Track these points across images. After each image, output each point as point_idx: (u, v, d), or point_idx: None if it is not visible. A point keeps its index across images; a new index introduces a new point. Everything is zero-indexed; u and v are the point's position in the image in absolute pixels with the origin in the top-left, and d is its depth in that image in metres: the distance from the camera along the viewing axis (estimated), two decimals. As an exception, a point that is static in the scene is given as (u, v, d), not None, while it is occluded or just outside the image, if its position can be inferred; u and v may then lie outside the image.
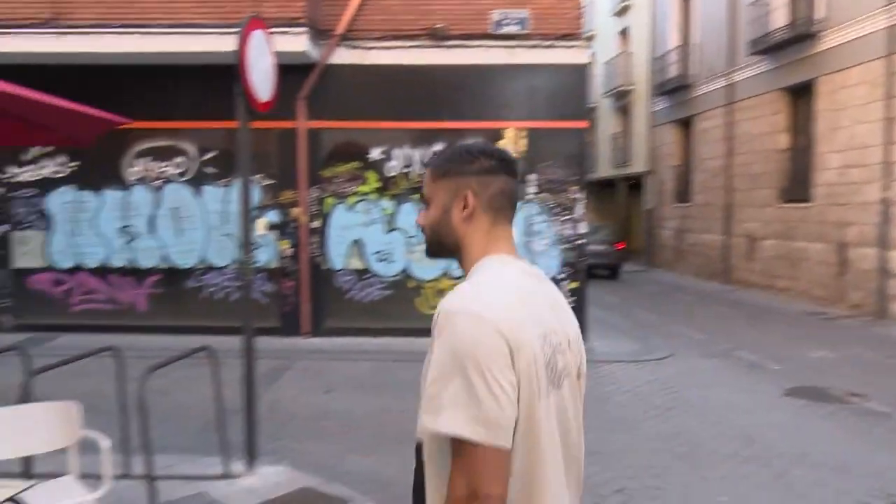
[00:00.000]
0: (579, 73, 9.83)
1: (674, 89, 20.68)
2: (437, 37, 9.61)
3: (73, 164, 10.12)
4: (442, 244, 1.56)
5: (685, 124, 20.86)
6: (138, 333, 9.51)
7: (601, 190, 27.87)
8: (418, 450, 1.45)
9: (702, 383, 7.82)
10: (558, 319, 1.49)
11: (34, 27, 8.97)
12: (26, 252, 10.27)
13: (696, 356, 9.25)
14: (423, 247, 1.62)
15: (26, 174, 10.14)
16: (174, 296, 10.14)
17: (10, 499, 2.48)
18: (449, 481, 1.30)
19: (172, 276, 10.15)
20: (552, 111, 9.76)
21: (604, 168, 27.98)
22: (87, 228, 10.15)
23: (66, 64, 9.32)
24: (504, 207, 1.54)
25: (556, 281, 9.85)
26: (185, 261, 10.12)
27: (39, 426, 3.33)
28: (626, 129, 26.02)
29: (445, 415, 1.27)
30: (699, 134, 19.66)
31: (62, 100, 3.29)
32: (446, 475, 1.33)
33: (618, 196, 27.25)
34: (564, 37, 9.69)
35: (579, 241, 9.96)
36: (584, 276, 10.08)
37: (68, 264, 10.21)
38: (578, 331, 1.57)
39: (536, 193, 9.83)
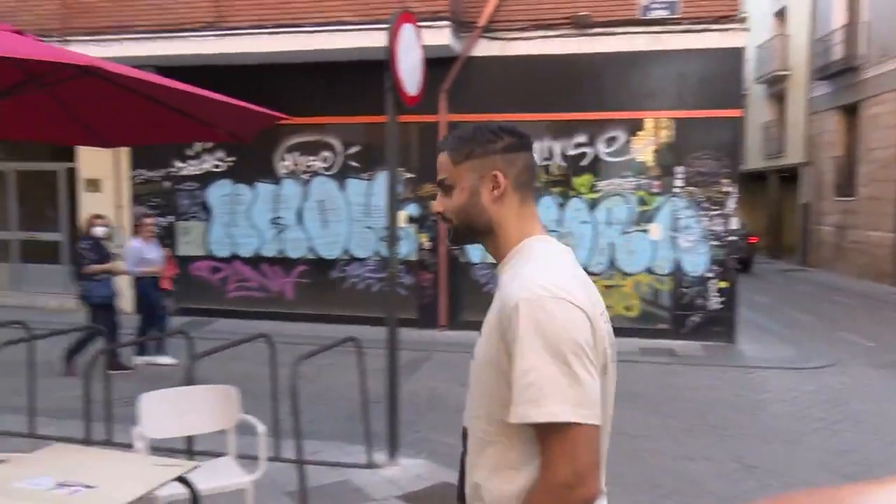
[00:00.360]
0: (733, 58, 9.19)
1: (838, 72, 18.96)
2: (581, 25, 9.32)
3: (230, 159, 10.78)
4: (473, 228, 1.53)
5: (850, 111, 19.08)
6: (286, 321, 10.00)
7: (750, 183, 26.14)
8: (465, 436, 1.45)
9: (872, 396, 7.09)
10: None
11: (198, 31, 9.61)
12: (188, 241, 11.07)
13: (864, 366, 8.41)
14: (450, 234, 1.61)
15: (190, 168, 10.93)
16: (319, 286, 10.56)
17: (179, 478, 2.61)
18: (548, 467, 1.28)
19: (318, 267, 10.58)
20: (702, 99, 9.21)
21: (754, 159, 26.23)
22: (241, 220, 10.79)
23: (225, 64, 9.93)
24: (530, 184, 1.53)
25: (705, 279, 9.32)
26: (329, 252, 10.51)
27: (202, 408, 3.52)
28: (780, 118, 24.23)
29: (550, 401, 1.26)
30: (867, 121, 17.92)
31: (226, 97, 3.43)
32: (521, 463, 1.34)
33: (769, 189, 25.47)
34: (719, 19, 9.09)
35: (730, 238, 9.36)
36: (735, 274, 9.46)
37: (225, 253, 10.90)
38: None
39: (683, 187, 9.33)
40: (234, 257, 10.86)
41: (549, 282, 1.33)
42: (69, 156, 11.44)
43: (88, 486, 2.43)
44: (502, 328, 1.35)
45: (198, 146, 10.79)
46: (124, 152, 11.01)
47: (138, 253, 7.72)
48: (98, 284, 7.34)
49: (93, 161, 11.21)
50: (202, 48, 9.63)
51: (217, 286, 10.93)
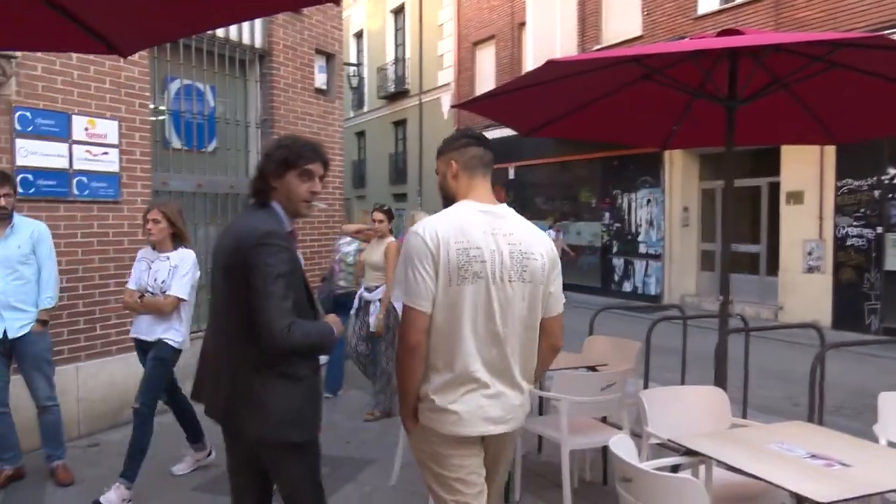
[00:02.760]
0: None
1: None
2: None
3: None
4: (445, 196, 2.44)
5: None
6: None
7: None
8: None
9: None
10: (495, 242, 2.25)
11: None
12: (900, 255, 10.04)
13: None
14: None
15: (904, 175, 9.91)
16: None
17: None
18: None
19: None
20: None
21: None
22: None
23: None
24: (476, 167, 2.40)
25: None
26: None
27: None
28: None
29: (398, 289, 2.33)
30: None
31: None
32: None
33: None
34: None
35: None
36: None
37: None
38: (527, 252, 2.29)
39: None
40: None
41: (424, 224, 2.25)
42: (773, 170, 11.82)
43: (843, 464, 2.40)
44: None
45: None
46: (829, 163, 10.76)
47: None
48: None
49: (796, 173, 11.33)
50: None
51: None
